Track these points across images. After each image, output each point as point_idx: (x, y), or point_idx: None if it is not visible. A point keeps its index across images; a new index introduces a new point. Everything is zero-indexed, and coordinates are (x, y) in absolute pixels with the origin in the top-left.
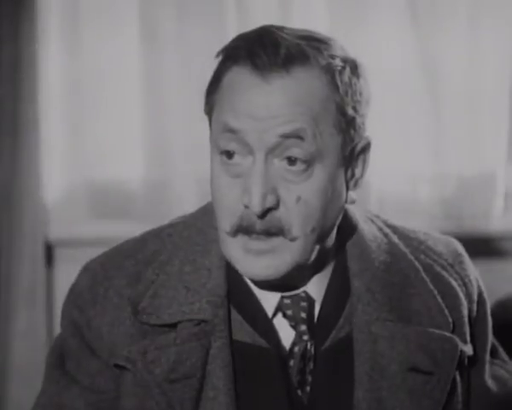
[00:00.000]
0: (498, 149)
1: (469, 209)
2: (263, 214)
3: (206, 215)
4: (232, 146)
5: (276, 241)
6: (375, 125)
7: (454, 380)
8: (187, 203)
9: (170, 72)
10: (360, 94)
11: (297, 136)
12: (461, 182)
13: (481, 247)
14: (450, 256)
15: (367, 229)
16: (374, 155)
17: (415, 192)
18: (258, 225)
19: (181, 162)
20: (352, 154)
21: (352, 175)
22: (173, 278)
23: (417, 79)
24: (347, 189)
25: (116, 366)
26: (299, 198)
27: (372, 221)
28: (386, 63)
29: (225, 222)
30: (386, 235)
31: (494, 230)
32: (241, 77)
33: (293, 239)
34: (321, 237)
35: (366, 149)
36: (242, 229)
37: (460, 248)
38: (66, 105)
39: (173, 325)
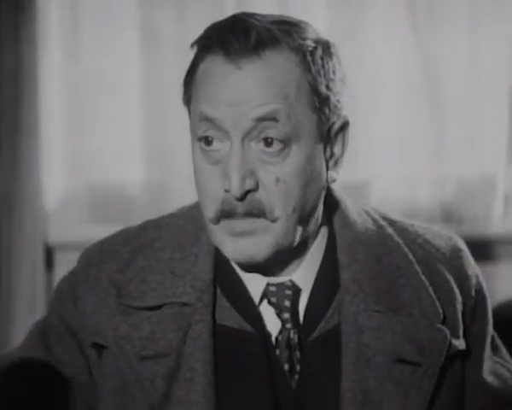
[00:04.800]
0: (498, 152)
1: (469, 212)
2: (243, 197)
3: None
4: (210, 132)
5: (258, 222)
6: (375, 127)
7: (445, 372)
8: None
9: (169, 75)
10: (333, 73)
11: (271, 118)
12: (461, 185)
13: (481, 250)
14: (449, 251)
15: (359, 221)
16: (374, 158)
17: (415, 195)
18: (240, 208)
19: (181, 166)
20: (329, 133)
21: (332, 154)
22: (163, 264)
23: (417, 80)
24: (327, 169)
25: (94, 346)
26: (278, 179)
27: (368, 214)
28: (385, 65)
29: (209, 209)
30: (380, 227)
31: (494, 233)
32: (214, 65)
33: (274, 220)
34: (303, 218)
35: (344, 127)
36: (225, 213)
37: (460, 244)
38: (65, 108)
39: (157, 308)
